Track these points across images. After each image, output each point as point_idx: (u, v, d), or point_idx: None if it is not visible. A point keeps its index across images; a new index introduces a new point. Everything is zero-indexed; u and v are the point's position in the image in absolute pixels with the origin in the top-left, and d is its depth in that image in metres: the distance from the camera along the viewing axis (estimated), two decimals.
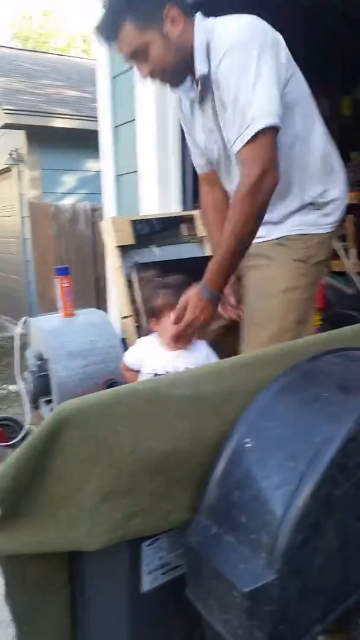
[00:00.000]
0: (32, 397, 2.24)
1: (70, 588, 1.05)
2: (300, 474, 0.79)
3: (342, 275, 3.82)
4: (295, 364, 1.07)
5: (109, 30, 1.54)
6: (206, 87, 1.56)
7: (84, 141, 5.87)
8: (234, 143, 1.47)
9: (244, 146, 1.44)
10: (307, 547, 0.77)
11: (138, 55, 1.54)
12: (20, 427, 2.80)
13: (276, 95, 1.43)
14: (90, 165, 6.42)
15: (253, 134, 1.41)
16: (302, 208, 1.66)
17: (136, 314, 2.43)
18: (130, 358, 1.88)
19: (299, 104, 1.59)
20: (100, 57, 3.35)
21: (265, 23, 1.50)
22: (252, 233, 1.52)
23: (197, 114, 1.68)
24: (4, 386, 4.35)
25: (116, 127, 3.33)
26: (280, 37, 1.52)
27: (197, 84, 1.57)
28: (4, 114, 5.84)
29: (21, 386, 2.36)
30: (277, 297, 1.65)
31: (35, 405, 2.29)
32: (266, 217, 1.61)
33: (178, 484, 0.97)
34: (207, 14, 1.58)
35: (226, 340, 1.83)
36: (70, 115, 6.32)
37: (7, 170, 6.86)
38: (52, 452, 0.90)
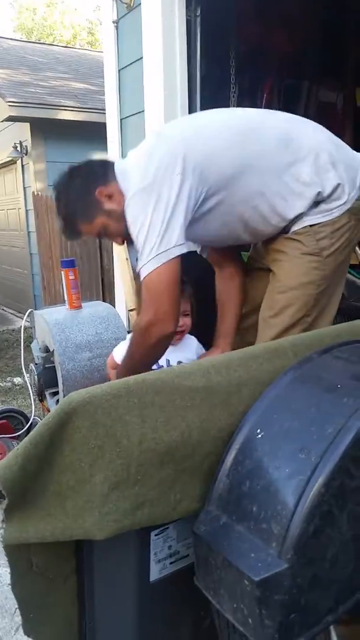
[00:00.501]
0: (37, 390, 2.24)
1: (77, 577, 1.05)
2: (312, 465, 0.79)
3: (355, 267, 3.80)
4: (307, 355, 1.06)
5: (71, 235, 1.75)
6: None
7: (91, 133, 5.85)
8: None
9: (142, 280, 1.51)
10: (319, 537, 0.76)
11: (104, 236, 1.72)
12: (26, 419, 2.82)
13: (168, 233, 1.46)
14: (97, 157, 6.40)
15: (142, 279, 1.50)
16: (307, 211, 1.62)
17: None
18: (120, 354, 1.83)
19: (238, 174, 1.56)
20: (107, 49, 3.33)
21: (174, 140, 1.55)
22: (143, 362, 1.57)
23: None
24: (9, 379, 4.35)
25: (123, 118, 3.31)
26: (195, 139, 1.56)
27: None
28: (8, 106, 5.82)
29: (27, 378, 2.36)
30: (287, 293, 1.63)
31: (40, 397, 2.29)
32: (280, 229, 1.65)
33: (186, 474, 0.97)
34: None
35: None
36: (76, 107, 6.28)
37: (11, 162, 6.84)
38: (60, 442, 0.90)
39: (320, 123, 1.69)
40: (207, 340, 1.96)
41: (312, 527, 0.75)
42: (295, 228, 1.63)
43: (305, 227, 1.62)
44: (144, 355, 1.56)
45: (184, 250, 1.49)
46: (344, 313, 3.42)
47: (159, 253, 1.46)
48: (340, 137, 1.70)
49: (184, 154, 1.50)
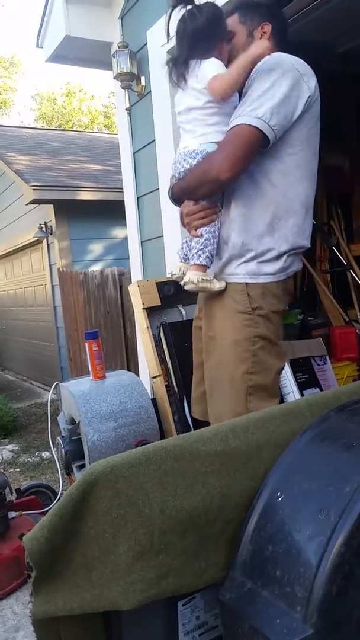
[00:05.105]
0: (64, 463, 2.24)
1: None
2: (332, 525, 0.79)
3: None
4: (324, 415, 1.07)
5: None
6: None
7: (110, 211, 6.15)
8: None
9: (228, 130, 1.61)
10: (343, 599, 0.75)
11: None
12: (54, 494, 2.80)
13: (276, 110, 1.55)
14: (117, 232, 6.67)
15: (232, 125, 1.58)
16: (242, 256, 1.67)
17: (165, 373, 2.45)
18: None
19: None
20: (122, 134, 3.55)
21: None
22: (191, 185, 1.70)
23: None
24: (37, 453, 4.36)
25: (140, 197, 3.49)
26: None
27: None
28: (32, 190, 6.15)
29: (54, 452, 2.38)
30: (228, 350, 1.66)
31: (67, 471, 2.29)
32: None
33: (210, 542, 0.97)
34: None
35: None
36: (96, 187, 6.60)
37: (37, 242, 7.14)
38: (84, 513, 0.92)
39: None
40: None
41: (335, 588, 0.74)
42: (230, 279, 1.69)
43: (238, 282, 1.68)
44: (196, 180, 1.65)
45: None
46: None
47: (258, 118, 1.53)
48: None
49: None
